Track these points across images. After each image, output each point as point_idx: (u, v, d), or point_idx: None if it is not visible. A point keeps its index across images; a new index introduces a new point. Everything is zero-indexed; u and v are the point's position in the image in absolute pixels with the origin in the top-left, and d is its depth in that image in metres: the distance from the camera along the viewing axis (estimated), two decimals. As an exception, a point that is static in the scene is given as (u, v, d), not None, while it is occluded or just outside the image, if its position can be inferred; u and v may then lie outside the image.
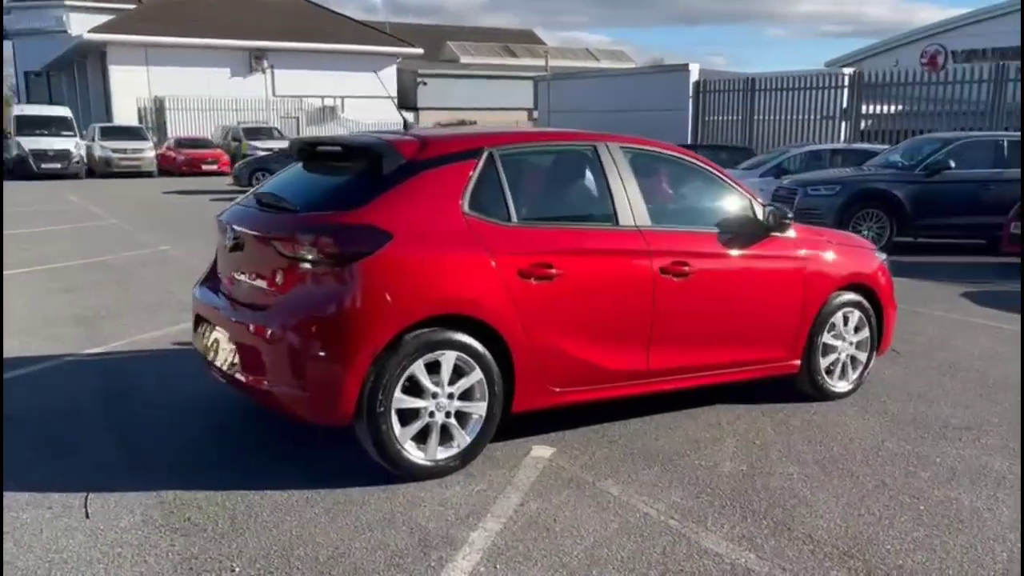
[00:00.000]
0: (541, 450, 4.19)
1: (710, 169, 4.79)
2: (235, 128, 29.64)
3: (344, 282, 3.63)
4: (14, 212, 15.01)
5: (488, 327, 3.84)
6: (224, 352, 4.03)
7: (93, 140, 27.39)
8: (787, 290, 4.78)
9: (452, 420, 3.83)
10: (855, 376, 5.15)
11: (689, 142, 20.19)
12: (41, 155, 24.93)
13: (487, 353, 3.85)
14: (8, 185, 20.74)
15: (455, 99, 41.25)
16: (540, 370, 4.02)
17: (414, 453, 3.77)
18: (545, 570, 3.07)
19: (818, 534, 3.36)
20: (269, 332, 3.72)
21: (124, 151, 26.75)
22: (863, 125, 19.47)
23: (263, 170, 21.40)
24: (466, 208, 3.91)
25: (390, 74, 39.03)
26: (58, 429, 4.42)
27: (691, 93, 22.62)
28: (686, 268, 4.37)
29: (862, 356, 5.17)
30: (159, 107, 33.80)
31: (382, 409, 3.64)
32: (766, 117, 21.12)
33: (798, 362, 4.91)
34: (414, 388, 3.74)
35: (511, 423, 4.11)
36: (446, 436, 3.85)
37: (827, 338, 4.98)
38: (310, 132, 33.12)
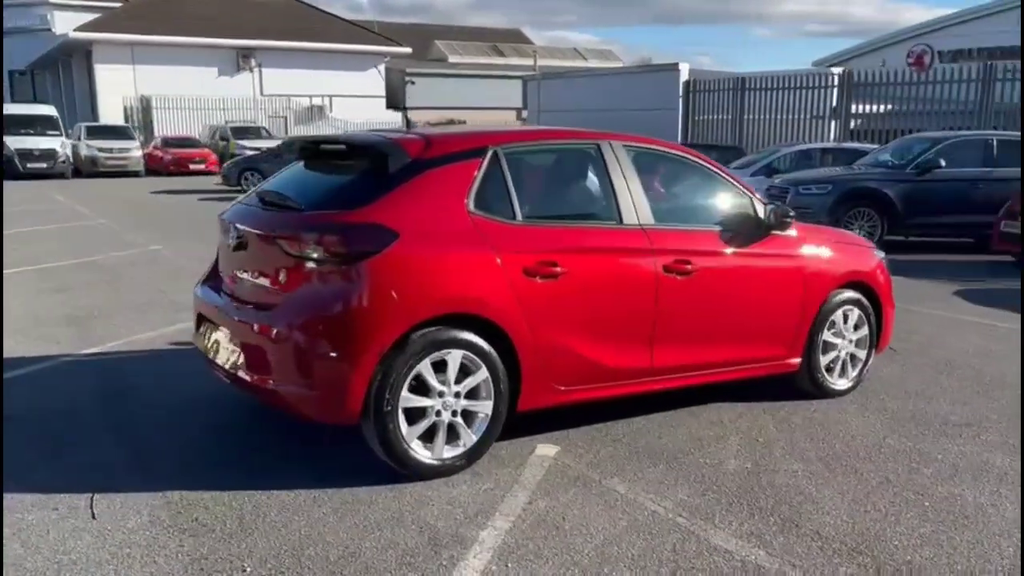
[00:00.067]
0: (546, 449, 4.20)
1: (712, 167, 4.80)
2: (223, 127, 29.50)
3: (351, 281, 3.62)
4: (1, 212, 14.88)
5: (494, 326, 3.84)
6: (228, 351, 4.01)
7: (79, 139, 27.16)
8: (788, 288, 4.80)
9: (458, 419, 3.83)
10: (855, 374, 5.18)
11: (679, 141, 20.23)
12: (27, 155, 24.70)
13: (493, 352, 3.85)
14: (-6, 185, 20.54)
15: (444, 98, 41.19)
16: (545, 369, 4.02)
17: (421, 452, 3.76)
18: (557, 568, 3.07)
19: (826, 530, 3.38)
20: (275, 331, 3.70)
21: (111, 150, 26.55)
22: (852, 124, 19.57)
23: (252, 170, 21.33)
24: (471, 207, 3.90)
25: (378, 73, 39.01)
26: (59, 429, 4.39)
27: (681, 92, 22.67)
28: (689, 266, 4.38)
29: (861, 354, 5.19)
30: (146, 106, 33.59)
31: (389, 408, 3.63)
32: (756, 116, 21.18)
33: (799, 360, 4.93)
34: (421, 387, 3.73)
35: (515, 422, 4.11)
36: (452, 435, 3.84)
37: (827, 336, 5.00)
38: (298, 131, 33.00)
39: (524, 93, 30.51)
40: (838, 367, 5.11)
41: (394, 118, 39.26)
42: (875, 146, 15.12)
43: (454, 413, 3.82)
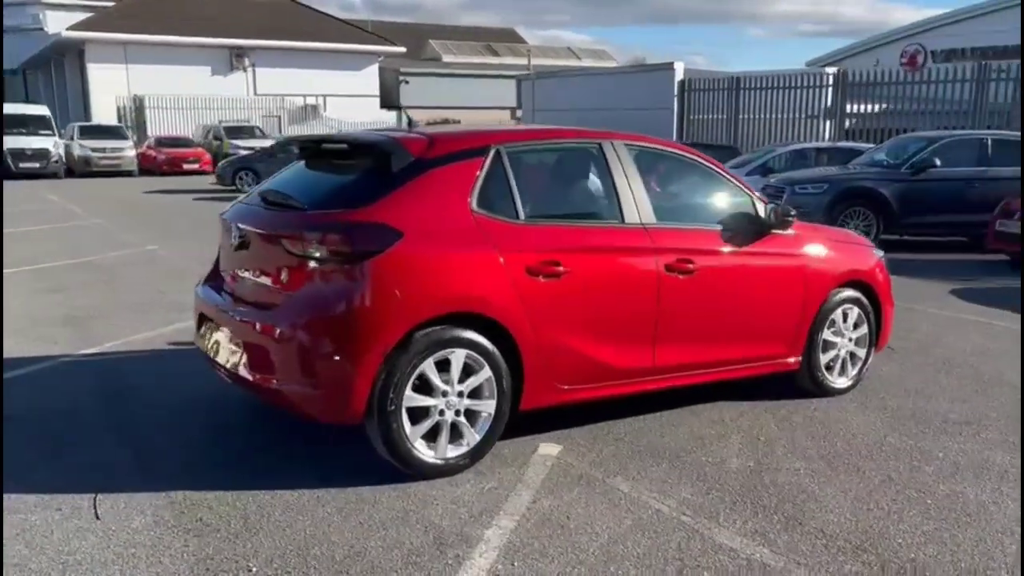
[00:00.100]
0: (548, 448, 4.20)
1: (713, 167, 4.81)
2: (216, 127, 29.41)
3: (355, 280, 3.61)
4: (-5, 212, 14.81)
5: (497, 325, 3.84)
6: (230, 351, 4.00)
7: (72, 139, 27.03)
8: (789, 287, 4.81)
9: (462, 418, 3.83)
10: (854, 372, 5.20)
11: (675, 141, 20.25)
12: (19, 154, 24.56)
13: (496, 351, 3.85)
14: (-13, 184, 20.44)
15: (438, 98, 41.19)
16: (548, 368, 4.02)
17: (424, 452, 3.76)
18: (563, 566, 3.07)
19: (830, 529, 3.39)
20: (278, 331, 3.69)
21: (104, 150, 26.43)
22: (847, 124, 19.63)
23: (247, 169, 21.30)
24: (474, 206, 3.90)
25: (372, 72, 38.95)
26: (60, 430, 4.37)
27: (676, 92, 22.71)
28: (690, 266, 4.39)
29: (861, 352, 5.21)
30: (139, 106, 33.44)
31: (393, 408, 3.63)
32: (751, 116, 21.24)
33: (799, 358, 4.94)
34: (424, 386, 3.73)
35: (516, 421, 4.11)
36: (456, 434, 3.84)
37: (827, 334, 5.02)
38: (292, 131, 32.89)
39: (518, 92, 30.48)
40: (838, 366, 5.12)
41: (388, 117, 39.23)
42: (870, 145, 15.17)
43: (457, 412, 3.82)
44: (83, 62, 34.12)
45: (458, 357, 3.77)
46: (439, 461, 3.79)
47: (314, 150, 4.40)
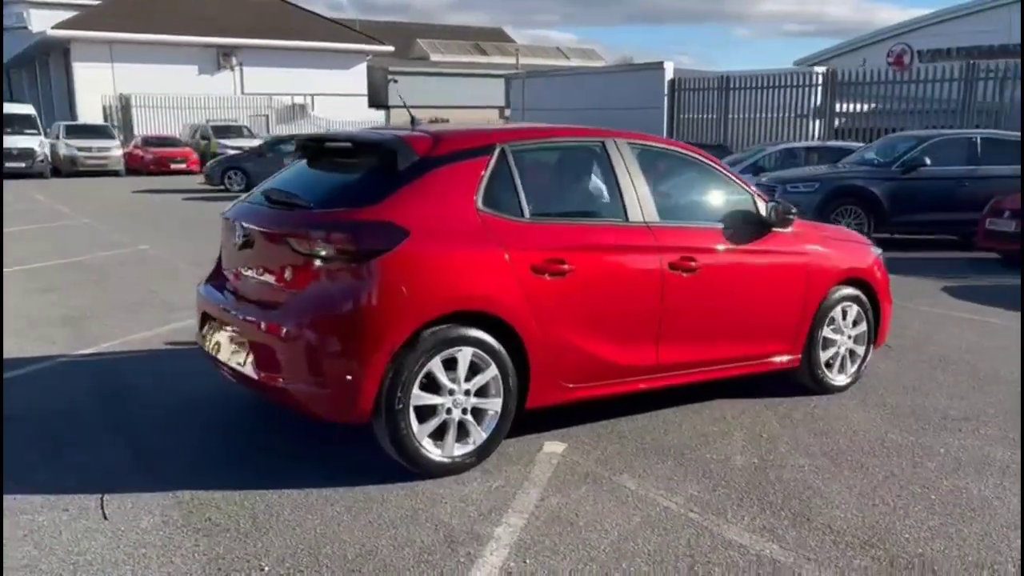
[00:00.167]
0: (553, 446, 4.21)
1: (714, 165, 4.83)
2: (204, 126, 29.28)
3: (362, 279, 3.61)
4: (-17, 211, 14.69)
5: (503, 323, 3.84)
6: (234, 350, 3.98)
7: (58, 138, 26.83)
8: (789, 285, 4.84)
9: (468, 417, 3.83)
10: (853, 369, 5.23)
11: (664, 140, 20.29)
12: (5, 154, 24.35)
13: (502, 349, 3.85)
14: (-27, 184, 20.26)
15: (426, 97, 41.03)
16: (554, 366, 4.03)
17: (432, 450, 3.76)
18: (575, 563, 3.08)
19: (837, 524, 3.42)
20: (285, 330, 3.68)
21: (90, 149, 26.24)
22: (836, 123, 19.75)
23: (235, 169, 21.22)
24: (480, 204, 3.91)
25: (360, 72, 38.84)
26: (62, 430, 4.35)
27: (666, 91, 22.78)
28: (693, 264, 4.40)
29: (860, 350, 5.25)
30: (125, 105, 33.22)
31: (400, 406, 3.63)
32: (741, 115, 21.33)
33: (799, 356, 4.97)
34: (431, 385, 3.73)
35: (521, 419, 4.11)
36: (462, 433, 3.85)
37: (827, 332, 5.05)
38: (280, 130, 32.71)
39: (507, 92, 30.48)
40: (837, 363, 5.16)
41: (377, 116, 39.10)
42: (859, 144, 15.26)
43: (464, 411, 3.82)
44: (68, 61, 33.87)
45: (465, 355, 3.77)
46: (446, 460, 3.80)
47: (316, 149, 4.39)
